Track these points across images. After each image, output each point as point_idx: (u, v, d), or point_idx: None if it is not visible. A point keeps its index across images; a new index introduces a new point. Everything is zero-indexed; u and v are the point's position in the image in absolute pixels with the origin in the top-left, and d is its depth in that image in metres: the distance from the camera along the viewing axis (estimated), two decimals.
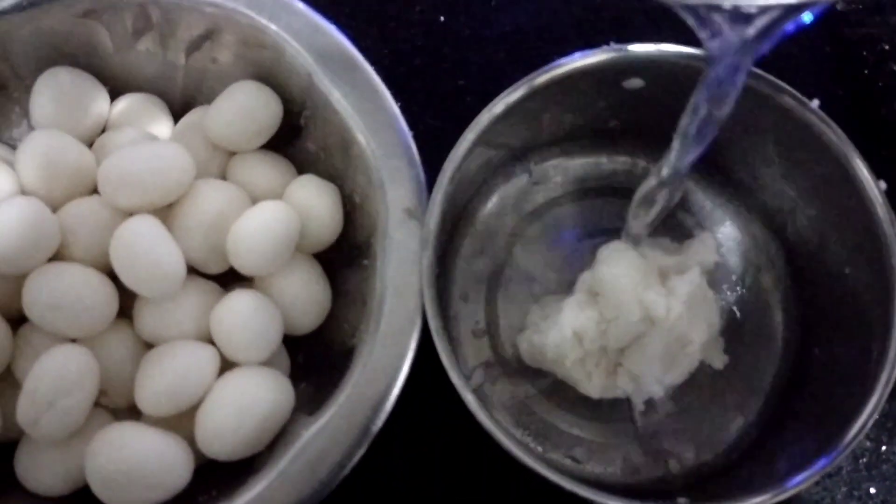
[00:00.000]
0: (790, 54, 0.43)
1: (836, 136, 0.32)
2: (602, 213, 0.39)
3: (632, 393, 0.34)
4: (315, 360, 0.34)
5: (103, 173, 0.31)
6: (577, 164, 0.39)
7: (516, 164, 0.38)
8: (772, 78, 0.33)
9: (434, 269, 0.30)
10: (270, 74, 0.34)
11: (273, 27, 0.33)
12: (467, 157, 0.32)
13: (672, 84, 0.32)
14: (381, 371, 0.29)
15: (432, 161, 0.33)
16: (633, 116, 0.37)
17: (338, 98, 0.32)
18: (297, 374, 0.33)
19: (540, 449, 0.34)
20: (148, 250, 0.30)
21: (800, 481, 0.28)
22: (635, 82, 0.35)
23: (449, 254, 0.36)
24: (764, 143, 0.35)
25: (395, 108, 0.32)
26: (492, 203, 0.38)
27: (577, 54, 0.34)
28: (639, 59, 0.33)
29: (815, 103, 0.33)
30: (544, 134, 0.37)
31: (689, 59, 0.33)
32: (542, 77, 0.33)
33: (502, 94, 0.33)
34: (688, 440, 0.35)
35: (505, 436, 0.28)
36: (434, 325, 0.29)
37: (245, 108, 0.34)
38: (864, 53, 0.44)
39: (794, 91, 0.33)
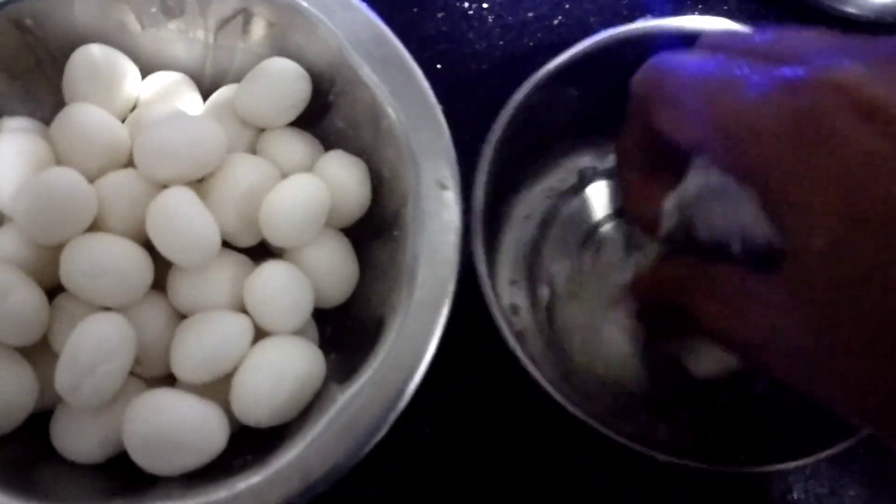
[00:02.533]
0: None
1: None
2: None
3: None
4: (343, 331, 0.34)
5: (139, 146, 0.31)
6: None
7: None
8: None
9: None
10: (300, 51, 0.35)
11: (304, 4, 0.33)
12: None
13: None
14: (414, 338, 0.30)
15: (457, 142, 0.33)
16: None
17: (367, 73, 0.33)
18: (326, 346, 0.33)
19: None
20: (184, 221, 0.30)
21: None
22: None
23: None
24: None
25: (425, 83, 0.33)
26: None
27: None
28: (667, 32, 0.34)
29: None
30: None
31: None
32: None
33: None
34: None
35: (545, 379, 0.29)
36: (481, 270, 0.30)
37: (275, 86, 0.34)
38: None
39: None
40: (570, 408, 0.29)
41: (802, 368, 0.23)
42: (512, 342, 0.30)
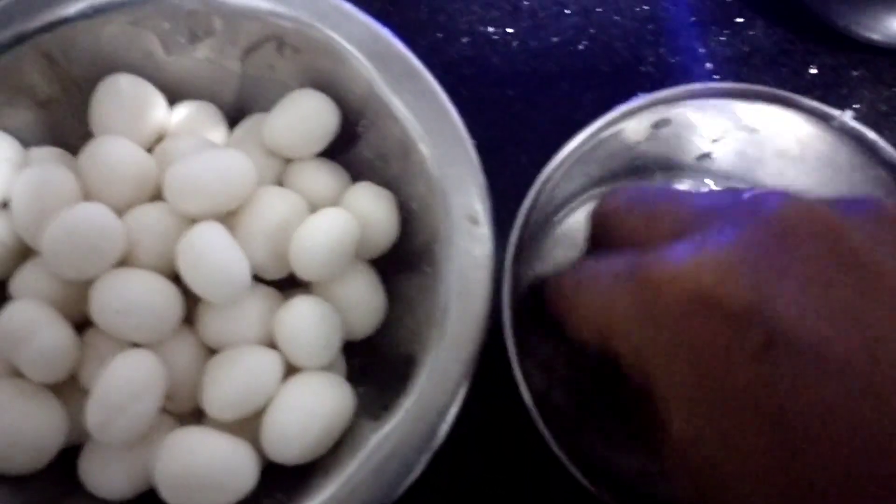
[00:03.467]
0: None
1: None
2: None
3: None
4: (372, 365, 0.34)
5: (170, 180, 0.31)
6: None
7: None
8: None
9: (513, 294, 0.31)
10: (329, 82, 0.35)
11: (335, 35, 0.33)
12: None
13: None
14: (447, 377, 0.29)
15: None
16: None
17: (398, 106, 0.33)
18: (355, 379, 0.33)
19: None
20: (215, 256, 0.30)
21: None
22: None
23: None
24: None
25: (456, 115, 0.33)
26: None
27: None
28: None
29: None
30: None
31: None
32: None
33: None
34: None
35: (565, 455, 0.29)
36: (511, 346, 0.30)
37: (304, 117, 0.34)
38: None
39: None
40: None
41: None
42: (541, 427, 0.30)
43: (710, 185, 0.37)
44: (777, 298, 0.20)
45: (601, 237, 0.27)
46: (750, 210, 0.21)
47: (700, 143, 0.36)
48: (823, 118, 0.32)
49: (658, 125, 0.34)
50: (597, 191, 0.38)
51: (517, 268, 0.32)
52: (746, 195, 0.23)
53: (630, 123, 0.34)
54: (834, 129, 0.32)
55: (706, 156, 0.36)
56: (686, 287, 0.21)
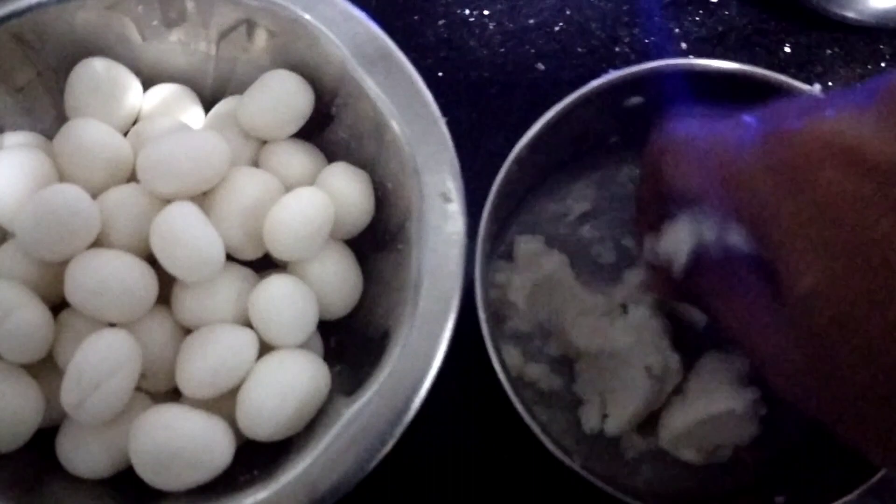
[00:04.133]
0: None
1: None
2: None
3: None
4: (348, 343, 0.34)
5: (143, 161, 0.31)
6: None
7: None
8: None
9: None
10: (302, 63, 0.35)
11: (307, 16, 0.33)
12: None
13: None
14: (420, 352, 0.30)
15: (459, 148, 0.33)
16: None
17: (371, 86, 0.33)
18: (331, 358, 0.33)
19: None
20: (188, 236, 0.30)
21: None
22: (636, 100, 0.36)
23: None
24: None
25: (428, 95, 0.33)
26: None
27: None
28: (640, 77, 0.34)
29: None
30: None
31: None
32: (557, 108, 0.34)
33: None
34: None
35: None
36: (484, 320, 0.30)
37: (278, 98, 0.34)
38: None
39: None
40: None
41: (805, 396, 0.24)
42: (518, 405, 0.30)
43: None
44: None
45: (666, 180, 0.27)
46: (873, 86, 0.21)
47: None
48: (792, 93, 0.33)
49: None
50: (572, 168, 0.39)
51: (489, 246, 0.32)
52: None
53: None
54: None
55: None
56: (826, 139, 0.21)
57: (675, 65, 0.34)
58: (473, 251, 0.32)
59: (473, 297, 0.32)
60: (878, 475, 0.30)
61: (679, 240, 0.28)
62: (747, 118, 0.24)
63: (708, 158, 0.24)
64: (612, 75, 0.34)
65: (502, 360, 0.31)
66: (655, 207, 0.29)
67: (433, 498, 0.37)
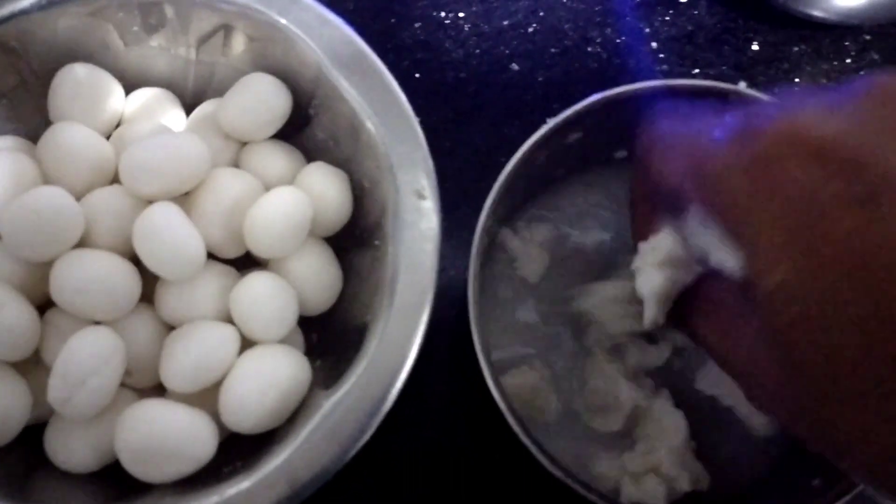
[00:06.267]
0: None
1: None
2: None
3: None
4: (328, 338, 0.35)
5: (125, 163, 0.32)
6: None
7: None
8: None
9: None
10: (280, 66, 0.36)
11: (283, 21, 0.34)
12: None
13: None
14: (396, 344, 0.31)
15: (435, 149, 0.34)
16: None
17: (346, 87, 0.34)
18: (312, 353, 0.34)
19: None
20: (170, 235, 0.31)
21: None
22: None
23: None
24: None
25: (402, 96, 0.34)
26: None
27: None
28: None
29: None
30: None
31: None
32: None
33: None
34: None
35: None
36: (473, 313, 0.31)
37: (256, 100, 0.35)
38: None
39: None
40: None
41: (778, 406, 0.24)
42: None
43: None
44: (885, 151, 0.20)
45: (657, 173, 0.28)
46: (851, 86, 0.22)
47: None
48: (724, 95, 0.33)
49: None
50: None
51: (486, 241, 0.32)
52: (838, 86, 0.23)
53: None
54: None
55: None
56: (792, 134, 0.21)
57: (663, 86, 0.34)
58: (469, 248, 0.32)
59: (464, 294, 0.32)
60: None
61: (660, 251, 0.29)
62: (727, 116, 0.24)
63: (687, 156, 0.25)
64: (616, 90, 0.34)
65: (489, 357, 0.31)
66: (646, 209, 0.30)
67: (419, 492, 0.38)
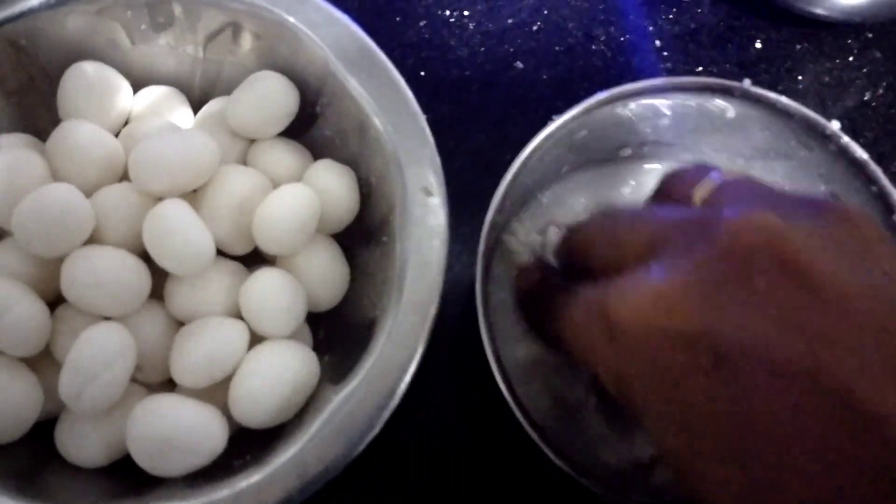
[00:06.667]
0: None
1: None
2: None
3: None
4: (336, 334, 0.35)
5: (134, 160, 0.32)
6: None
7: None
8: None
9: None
10: (287, 65, 0.36)
11: (291, 19, 0.35)
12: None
13: None
14: (405, 339, 0.31)
15: (439, 147, 0.34)
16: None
17: (354, 85, 0.34)
18: (320, 349, 0.34)
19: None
20: (179, 231, 0.31)
21: None
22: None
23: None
24: None
25: (409, 93, 0.34)
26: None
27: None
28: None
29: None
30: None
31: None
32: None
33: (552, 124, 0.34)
34: None
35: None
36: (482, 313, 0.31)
37: (264, 98, 0.35)
38: None
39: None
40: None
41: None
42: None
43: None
44: (724, 318, 0.21)
45: (574, 262, 0.29)
46: (702, 228, 0.23)
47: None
48: (730, 92, 0.34)
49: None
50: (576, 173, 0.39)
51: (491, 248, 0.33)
52: (699, 214, 0.24)
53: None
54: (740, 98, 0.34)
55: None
56: (642, 318, 0.22)
57: (667, 83, 0.34)
58: (473, 246, 0.32)
59: (469, 292, 0.33)
60: None
61: None
62: (593, 287, 0.25)
63: (572, 332, 0.25)
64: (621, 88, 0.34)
65: (498, 354, 0.31)
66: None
67: (423, 483, 0.38)
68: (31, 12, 0.35)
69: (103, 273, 0.31)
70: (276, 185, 0.35)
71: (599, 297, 0.24)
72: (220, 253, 0.34)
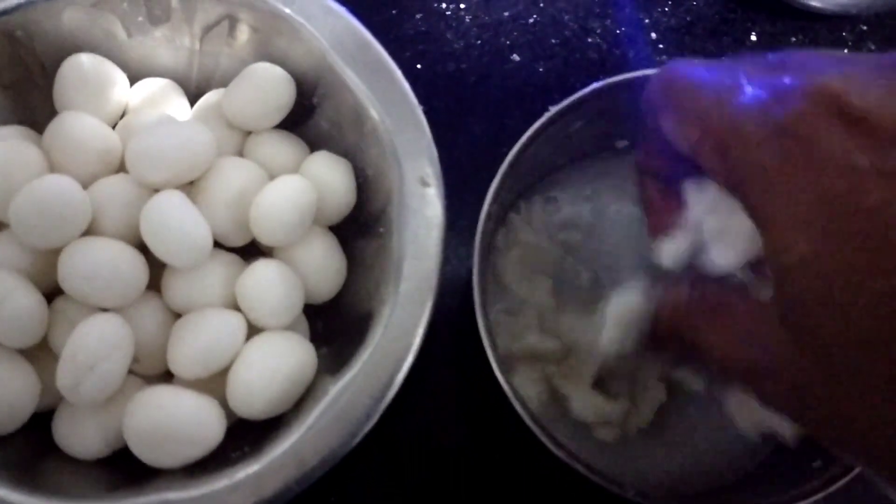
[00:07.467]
0: None
1: None
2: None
3: None
4: (334, 326, 0.35)
5: (131, 151, 0.32)
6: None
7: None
8: None
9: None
10: (284, 57, 0.36)
11: (287, 11, 0.35)
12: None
13: None
14: (402, 330, 0.31)
15: (436, 139, 0.34)
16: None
17: (351, 76, 0.34)
18: (317, 340, 0.34)
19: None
20: (177, 223, 0.31)
21: None
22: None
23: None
24: None
25: (405, 84, 0.34)
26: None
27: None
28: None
29: None
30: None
31: None
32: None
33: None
34: None
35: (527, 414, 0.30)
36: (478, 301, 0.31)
37: (261, 90, 0.35)
38: None
39: None
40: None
41: (796, 400, 0.22)
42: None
43: None
44: None
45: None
46: (890, 57, 0.20)
47: None
48: None
49: None
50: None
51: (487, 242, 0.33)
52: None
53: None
54: None
55: None
56: (828, 100, 0.20)
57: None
58: (470, 238, 0.32)
59: (466, 284, 0.33)
60: None
61: (679, 248, 0.27)
62: (751, 77, 0.22)
63: (704, 118, 0.23)
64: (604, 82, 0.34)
65: (494, 345, 0.31)
66: (658, 171, 0.28)
67: (421, 475, 0.38)
68: (27, 4, 0.35)
69: (100, 265, 0.31)
70: (272, 176, 0.35)
71: (765, 77, 0.21)
72: (218, 244, 0.34)
